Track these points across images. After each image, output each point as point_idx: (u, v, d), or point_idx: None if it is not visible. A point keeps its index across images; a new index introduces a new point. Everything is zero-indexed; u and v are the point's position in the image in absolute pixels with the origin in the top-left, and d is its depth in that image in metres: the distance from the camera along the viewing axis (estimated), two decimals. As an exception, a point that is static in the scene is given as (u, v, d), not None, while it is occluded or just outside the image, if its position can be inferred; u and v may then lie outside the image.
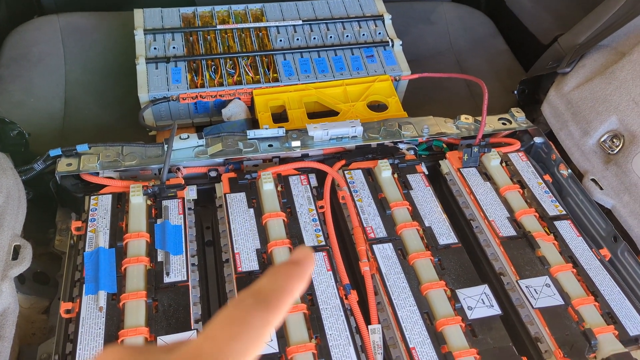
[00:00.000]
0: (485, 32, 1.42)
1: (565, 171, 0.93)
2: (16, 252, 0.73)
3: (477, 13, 1.47)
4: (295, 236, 0.79)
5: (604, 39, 0.99)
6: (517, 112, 1.01)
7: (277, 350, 0.65)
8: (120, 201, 0.82)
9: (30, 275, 0.83)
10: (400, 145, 0.97)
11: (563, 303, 0.73)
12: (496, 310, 0.72)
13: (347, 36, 1.16)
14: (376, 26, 1.20)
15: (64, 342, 0.68)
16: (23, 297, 0.80)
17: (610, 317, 0.73)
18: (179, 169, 0.89)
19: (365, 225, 0.82)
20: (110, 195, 0.82)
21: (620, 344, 0.69)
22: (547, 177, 0.92)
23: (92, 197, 0.82)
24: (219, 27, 1.14)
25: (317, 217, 0.82)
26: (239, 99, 1.06)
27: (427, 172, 0.93)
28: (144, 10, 1.15)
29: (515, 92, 1.13)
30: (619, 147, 0.89)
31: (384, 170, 0.89)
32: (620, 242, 0.83)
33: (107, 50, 1.25)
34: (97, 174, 0.85)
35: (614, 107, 0.91)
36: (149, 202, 0.82)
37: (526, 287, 0.75)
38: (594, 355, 0.69)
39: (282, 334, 0.67)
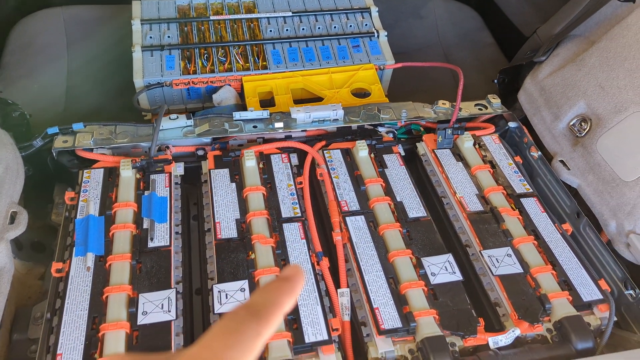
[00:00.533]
0: (473, 26, 1.47)
1: (535, 153, 0.98)
2: (12, 219, 0.78)
3: (466, 8, 1.51)
4: (273, 208, 0.84)
5: (577, 29, 1.03)
6: (494, 98, 1.06)
7: (249, 308, 0.70)
8: (111, 175, 0.87)
9: (28, 244, 0.90)
10: (380, 129, 1.02)
11: (522, 271, 0.78)
12: (458, 276, 0.77)
13: (335, 27, 1.22)
14: (363, 18, 1.25)
15: (54, 299, 0.73)
16: (20, 263, 0.86)
17: (566, 284, 0.77)
18: (167, 147, 0.94)
19: (340, 199, 0.87)
20: (102, 170, 0.88)
21: (573, 309, 0.73)
22: (517, 159, 0.96)
23: (85, 171, 0.87)
24: (212, 17, 1.20)
25: (295, 192, 0.87)
26: (229, 85, 1.12)
27: (403, 154, 0.98)
28: (141, 2, 1.21)
29: (495, 81, 1.17)
30: (587, 129, 0.93)
31: (361, 150, 0.94)
32: (582, 218, 0.87)
33: (107, 41, 1.31)
34: (91, 150, 0.91)
35: (582, 92, 0.95)
36: (137, 176, 0.87)
37: (488, 256, 0.79)
38: (548, 319, 0.74)
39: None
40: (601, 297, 0.75)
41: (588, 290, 0.76)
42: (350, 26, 1.23)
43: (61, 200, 0.94)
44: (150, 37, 1.15)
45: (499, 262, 0.79)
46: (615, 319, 0.75)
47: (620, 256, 0.83)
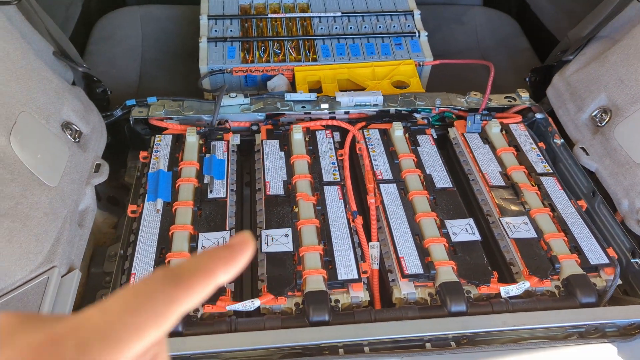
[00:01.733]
0: (510, 32, 1.56)
1: (558, 140, 1.06)
2: (97, 168, 0.93)
3: (505, 16, 1.61)
4: (316, 173, 0.96)
5: (603, 31, 1.12)
6: (523, 92, 1.15)
7: (291, 250, 0.82)
8: (178, 141, 1.01)
9: (105, 197, 1.04)
10: (416, 115, 1.13)
11: (536, 236, 0.86)
12: (477, 237, 0.86)
13: (380, 27, 1.34)
14: (406, 20, 1.36)
15: (128, 236, 0.87)
16: (98, 212, 1.00)
17: (575, 249, 0.85)
18: (227, 121, 1.08)
19: (375, 169, 0.98)
20: (170, 136, 1.02)
21: (580, 269, 0.82)
22: (541, 144, 1.05)
23: (157, 136, 1.02)
24: (270, 15, 1.34)
25: (335, 162, 0.99)
26: (282, 74, 1.25)
27: (435, 136, 1.08)
28: (209, 0, 1.37)
29: (527, 79, 1.26)
30: (607, 120, 1.01)
31: (397, 130, 1.05)
32: (597, 196, 0.95)
33: (177, 36, 1.48)
34: (162, 120, 1.05)
35: (604, 85, 1.03)
36: (200, 142, 1.01)
37: (506, 223, 0.88)
38: (557, 277, 0.82)
39: (296, 238, 0.83)
40: (607, 261, 0.83)
41: (596, 255, 0.84)
42: (394, 26, 1.34)
43: (133, 164, 1.08)
44: (215, 31, 1.30)
45: (515, 227, 0.88)
46: (621, 282, 0.83)
47: (630, 231, 0.90)
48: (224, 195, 0.91)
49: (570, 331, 0.76)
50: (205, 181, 0.93)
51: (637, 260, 0.86)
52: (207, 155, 0.98)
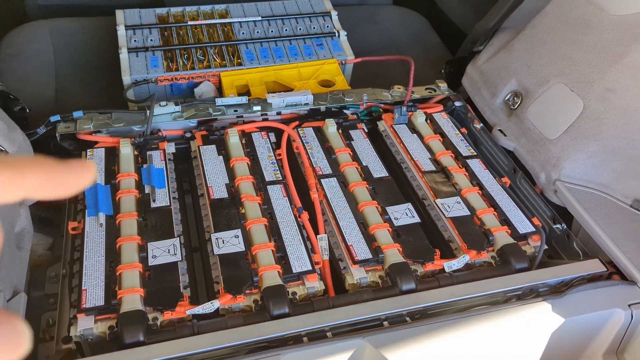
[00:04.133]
0: (421, 29, 1.66)
1: (478, 125, 1.14)
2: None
3: (415, 13, 1.70)
4: (257, 173, 0.97)
5: (507, 22, 1.22)
6: (441, 82, 1.23)
7: (244, 249, 0.83)
8: (112, 154, 0.99)
9: (37, 218, 1.00)
10: (345, 112, 1.17)
11: (469, 214, 0.93)
12: (416, 219, 0.92)
13: (300, 29, 1.37)
14: (324, 21, 1.41)
15: (71, 254, 0.84)
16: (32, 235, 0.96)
17: (505, 222, 0.92)
18: (159, 130, 1.07)
19: (314, 165, 1.01)
20: (103, 149, 1.00)
21: (511, 239, 0.89)
22: (463, 130, 1.13)
23: (88, 151, 0.99)
24: (189, 23, 1.34)
25: (275, 162, 1.01)
26: (209, 80, 1.25)
27: (366, 130, 1.13)
28: (124, 11, 1.34)
29: (442, 71, 1.35)
30: (519, 102, 1.10)
31: (330, 127, 1.09)
32: (518, 172, 1.03)
33: (92, 48, 1.43)
34: (91, 134, 1.02)
35: (513, 72, 1.13)
36: (135, 153, 0.99)
37: (441, 204, 0.95)
38: (492, 249, 0.89)
39: (247, 238, 0.85)
40: (534, 229, 0.91)
41: (523, 225, 0.92)
42: (314, 28, 1.38)
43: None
44: (135, 41, 1.27)
45: (450, 207, 0.94)
46: (547, 247, 0.91)
47: (549, 201, 1.00)
48: (168, 204, 0.90)
49: (509, 295, 0.82)
50: (147, 191, 0.92)
51: (558, 226, 0.94)
52: (145, 166, 0.97)
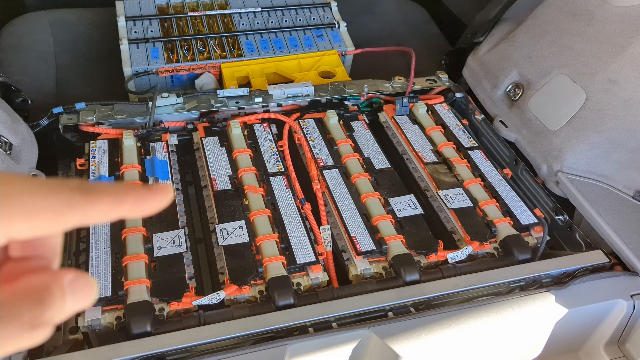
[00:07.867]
0: (420, 19, 1.65)
1: (479, 116, 1.15)
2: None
3: (413, 4, 1.70)
4: (260, 165, 0.97)
5: (508, 12, 1.22)
6: (442, 74, 1.23)
7: (248, 240, 0.83)
8: (115, 145, 0.99)
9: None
10: (346, 103, 1.17)
11: (472, 205, 0.94)
12: (419, 211, 0.92)
13: (300, 20, 1.37)
14: (324, 12, 1.41)
15: (76, 245, 0.84)
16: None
17: (507, 213, 0.93)
18: (161, 122, 1.06)
19: (316, 157, 1.01)
20: (106, 141, 0.99)
21: (514, 230, 0.90)
22: (464, 121, 1.13)
23: (91, 142, 0.99)
24: (189, 14, 1.33)
25: (277, 153, 1.01)
26: (209, 72, 1.25)
27: (367, 121, 1.13)
28: (124, 2, 1.33)
29: (443, 62, 1.35)
30: (520, 93, 1.11)
31: (332, 118, 1.09)
32: (519, 164, 1.04)
33: (92, 39, 1.42)
34: (94, 125, 1.02)
35: (515, 63, 1.13)
36: (138, 144, 0.99)
37: (444, 195, 0.95)
38: (494, 240, 0.89)
39: (251, 229, 0.85)
40: (536, 221, 0.92)
41: (526, 217, 0.93)
42: (314, 19, 1.38)
43: (65, 173, 1.05)
44: (135, 32, 1.27)
45: (452, 199, 0.94)
46: (549, 238, 0.92)
47: (551, 192, 1.00)
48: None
49: (512, 286, 0.83)
50: (150, 183, 0.92)
51: (560, 217, 0.95)
52: (148, 157, 0.97)
